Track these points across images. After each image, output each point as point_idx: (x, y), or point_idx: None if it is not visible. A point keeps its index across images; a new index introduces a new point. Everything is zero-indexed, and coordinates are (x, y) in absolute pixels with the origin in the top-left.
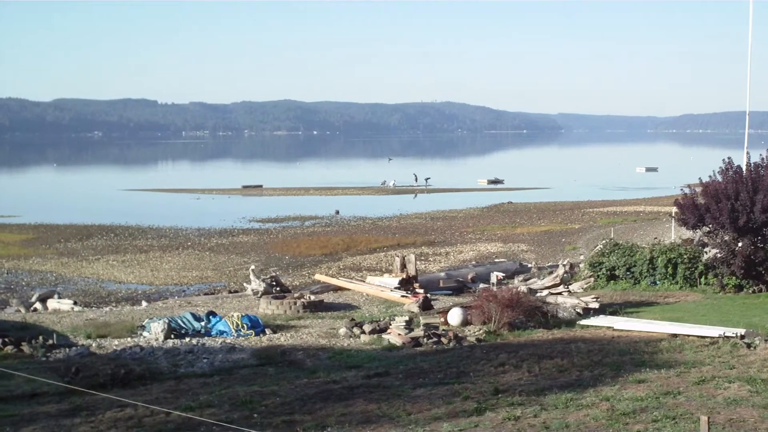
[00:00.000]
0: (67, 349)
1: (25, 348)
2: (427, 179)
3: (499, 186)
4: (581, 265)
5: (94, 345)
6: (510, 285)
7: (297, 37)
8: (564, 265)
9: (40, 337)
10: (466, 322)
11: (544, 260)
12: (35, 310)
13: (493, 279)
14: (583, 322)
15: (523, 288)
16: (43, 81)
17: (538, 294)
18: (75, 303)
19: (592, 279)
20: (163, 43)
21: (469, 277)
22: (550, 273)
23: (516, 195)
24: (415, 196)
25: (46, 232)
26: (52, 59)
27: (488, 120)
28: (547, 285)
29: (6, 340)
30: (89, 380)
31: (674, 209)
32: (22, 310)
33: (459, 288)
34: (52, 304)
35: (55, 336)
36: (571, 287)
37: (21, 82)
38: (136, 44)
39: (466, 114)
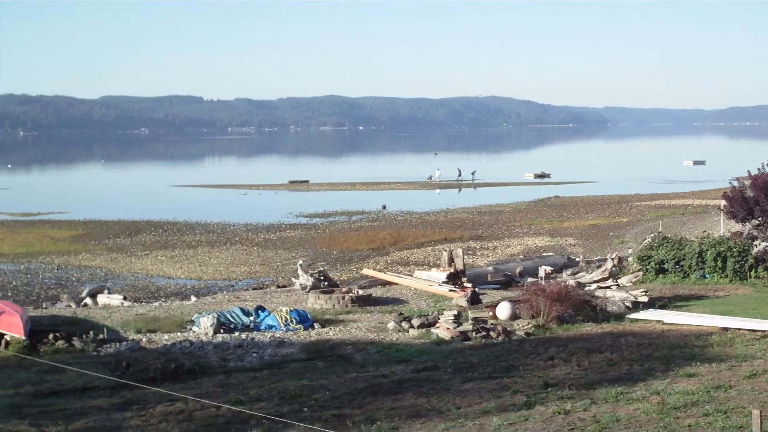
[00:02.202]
0: (118, 344)
1: (76, 343)
2: (473, 173)
3: (545, 180)
4: (630, 259)
5: (144, 339)
6: (558, 279)
7: (342, 33)
8: (612, 259)
9: (91, 332)
10: (514, 316)
11: (592, 254)
12: (86, 305)
13: (542, 273)
14: (633, 315)
15: (571, 282)
16: (90, 79)
17: (587, 288)
18: (125, 298)
19: (641, 273)
20: (208, 40)
21: (517, 271)
22: (599, 267)
23: (563, 189)
24: (459, 190)
25: (95, 228)
26: (99, 57)
27: (533, 114)
28: (595, 279)
29: (57, 334)
30: (140, 374)
31: (723, 202)
32: (73, 305)
33: (507, 282)
34: (102, 299)
35: (105, 331)
36: (619, 281)
37: (68, 80)
38: (181, 41)
39: (511, 108)
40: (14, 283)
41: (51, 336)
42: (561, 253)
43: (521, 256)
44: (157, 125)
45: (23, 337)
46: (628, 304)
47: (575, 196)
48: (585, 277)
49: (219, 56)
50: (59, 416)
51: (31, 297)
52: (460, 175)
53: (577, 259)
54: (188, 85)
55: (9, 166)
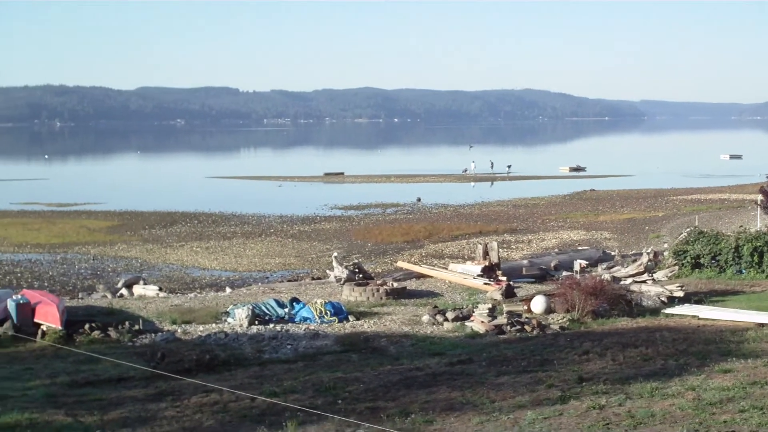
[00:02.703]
0: (153, 335)
1: (112, 333)
2: (508, 166)
3: (581, 173)
4: (665, 254)
5: (179, 331)
6: (593, 273)
7: (378, 25)
8: (648, 253)
9: (126, 323)
10: (549, 310)
11: (628, 248)
12: (121, 295)
13: (577, 267)
14: (668, 310)
15: (606, 276)
16: (127, 70)
17: (622, 282)
18: (160, 289)
19: (677, 267)
20: (243, 32)
21: (552, 264)
22: (634, 261)
23: (598, 182)
24: (492, 183)
25: (130, 218)
26: (135, 49)
27: (569, 107)
28: (630, 273)
29: (93, 325)
30: (175, 365)
31: (760, 197)
32: (109, 295)
33: (542, 276)
34: (138, 290)
35: (141, 321)
36: (655, 275)
37: (105, 71)
38: (217, 33)
39: (546, 101)
40: (50, 273)
41: (87, 326)
42: (596, 247)
43: (556, 250)
44: (193, 116)
45: (59, 327)
46: (663, 299)
47: (611, 189)
48: (620, 271)
49: (255, 48)
50: (95, 406)
51: (67, 287)
52: (492, 167)
53: (613, 253)
54: (224, 77)
55: (46, 156)
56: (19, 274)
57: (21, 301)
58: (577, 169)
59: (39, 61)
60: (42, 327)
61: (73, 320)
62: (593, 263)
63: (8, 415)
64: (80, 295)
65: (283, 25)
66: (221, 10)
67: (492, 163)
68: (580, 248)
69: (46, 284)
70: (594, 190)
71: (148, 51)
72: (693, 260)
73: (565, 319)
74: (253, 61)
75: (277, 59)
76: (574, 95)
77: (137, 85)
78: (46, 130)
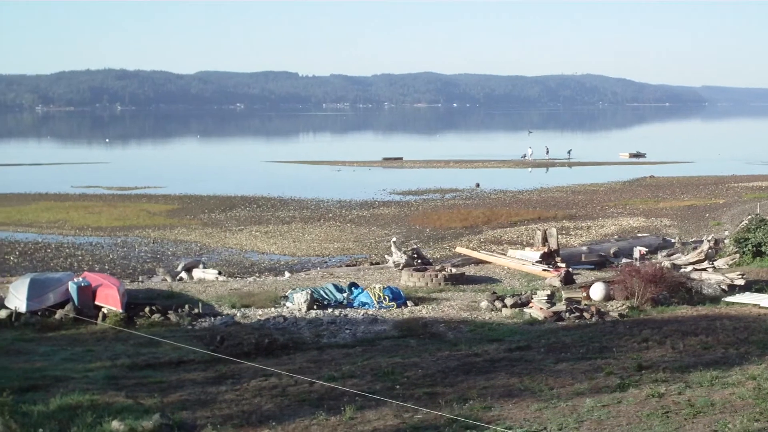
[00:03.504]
0: (212, 318)
1: (172, 316)
2: (568, 152)
3: (641, 160)
4: (726, 241)
5: (238, 314)
6: (653, 260)
7: (437, 9)
8: (708, 241)
9: (186, 306)
10: (608, 297)
11: (688, 235)
12: (181, 279)
13: (636, 254)
14: (728, 299)
15: (666, 263)
16: (187, 54)
17: (682, 270)
18: (219, 273)
19: (738, 255)
20: (303, 16)
21: (612, 251)
22: (694, 248)
23: (658, 169)
24: (547, 169)
25: (190, 202)
26: (196, 33)
27: (629, 93)
28: (691, 261)
29: (153, 308)
30: (234, 349)
31: None
32: (168, 279)
33: (601, 262)
34: (197, 273)
35: (200, 305)
36: (715, 263)
37: (165, 55)
38: (277, 17)
39: (606, 86)
40: (111, 256)
41: (147, 309)
42: (656, 234)
43: (615, 237)
44: (252, 101)
45: (120, 310)
46: (724, 287)
47: (671, 176)
48: (680, 258)
49: (315, 32)
50: (155, 388)
51: (127, 270)
52: (547, 153)
53: (673, 241)
54: (284, 61)
55: (107, 140)
56: (80, 257)
57: (82, 284)
58: (637, 155)
59: (100, 45)
60: (103, 310)
61: (133, 303)
62: (653, 250)
63: (70, 397)
64: (140, 279)
65: (343, 10)
66: None
67: (547, 149)
68: (639, 235)
69: (106, 267)
70: (654, 176)
71: (208, 35)
72: (754, 248)
73: (624, 307)
74: (313, 46)
75: (336, 44)
76: (634, 81)
77: (197, 69)
78: (107, 114)
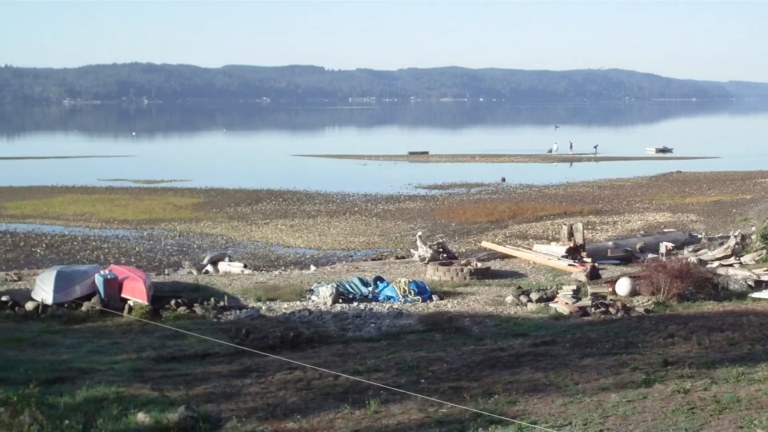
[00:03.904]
0: (238, 311)
1: (198, 309)
2: (595, 147)
3: (667, 155)
4: (753, 237)
5: (263, 308)
6: (679, 255)
7: (464, 3)
8: (735, 237)
9: (212, 299)
10: (634, 293)
11: (714, 231)
12: (207, 272)
13: (662, 249)
14: (755, 294)
15: (692, 259)
16: (214, 48)
17: (708, 265)
18: (245, 266)
19: (765, 251)
20: (330, 10)
21: (638, 246)
22: (721, 244)
23: (685, 164)
24: (571, 164)
25: (216, 196)
26: (222, 26)
27: (656, 87)
28: (717, 256)
29: (179, 301)
30: (259, 342)
31: None
32: (194, 272)
33: (627, 258)
34: (223, 266)
35: (226, 298)
36: (742, 259)
37: (192, 49)
38: (303, 11)
39: (633, 81)
40: (137, 249)
41: (173, 302)
42: (682, 230)
43: (642, 232)
44: (278, 95)
45: (146, 303)
46: (750, 283)
47: (697, 171)
48: (707, 254)
49: (341, 26)
50: (180, 381)
51: (153, 263)
52: (571, 148)
53: (699, 236)
54: (310, 55)
55: (133, 133)
56: (106, 250)
57: (109, 277)
58: (664, 150)
59: (127, 39)
60: (129, 302)
61: (159, 296)
62: (679, 246)
63: (96, 389)
64: (166, 271)
65: (369, 4)
66: None
67: (571, 144)
68: (666, 230)
69: (133, 260)
70: (680, 171)
71: (235, 29)
72: None
73: (650, 302)
74: (339, 40)
75: (362, 38)
76: (661, 75)
77: (224, 63)
78: (133, 108)
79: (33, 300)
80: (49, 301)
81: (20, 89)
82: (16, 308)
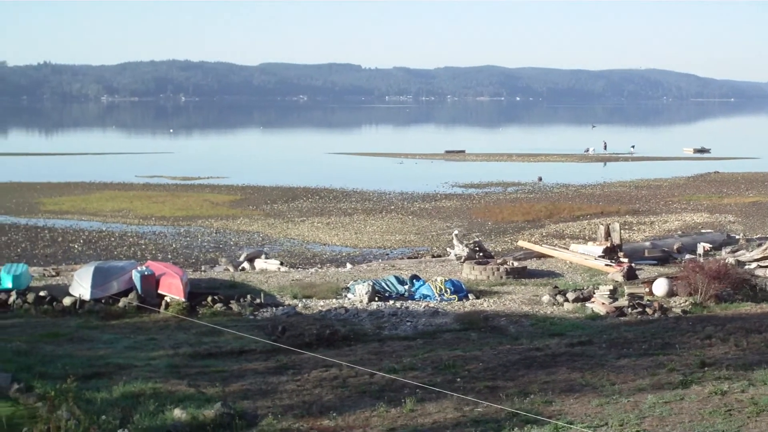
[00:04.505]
0: (274, 309)
1: (234, 306)
2: (632, 147)
3: (705, 155)
4: None
5: (300, 305)
6: (717, 256)
7: (500, 3)
8: None
9: (248, 296)
10: (671, 293)
11: (753, 232)
12: (243, 269)
13: (700, 250)
14: None
15: (730, 260)
16: (251, 46)
17: (746, 266)
18: (281, 263)
19: None
20: (367, 9)
21: (675, 247)
22: (759, 245)
23: (723, 164)
24: (605, 164)
25: (252, 193)
26: (259, 24)
27: (694, 88)
28: (755, 257)
29: (216, 297)
30: (295, 339)
31: None
32: (231, 269)
33: (664, 258)
34: (259, 263)
35: (262, 295)
36: None
37: (229, 46)
38: (340, 9)
39: (671, 81)
40: (174, 245)
41: (209, 299)
42: (720, 230)
43: (679, 232)
44: (315, 92)
45: (183, 299)
46: None
47: (735, 172)
48: (745, 255)
49: (378, 24)
50: (216, 378)
51: (190, 260)
52: (605, 148)
53: (737, 237)
54: (347, 53)
55: (171, 130)
56: (143, 246)
57: (146, 273)
58: (701, 150)
59: (165, 36)
60: (165, 298)
61: (195, 292)
62: (717, 246)
63: (132, 384)
64: (203, 268)
65: (406, 3)
66: None
67: (605, 144)
68: (703, 231)
69: (169, 256)
70: (718, 172)
71: (272, 27)
72: None
73: (687, 303)
74: (377, 38)
75: (399, 36)
76: (699, 75)
77: (261, 61)
78: (171, 105)
79: (71, 295)
80: (87, 296)
81: (59, 86)
82: (54, 304)
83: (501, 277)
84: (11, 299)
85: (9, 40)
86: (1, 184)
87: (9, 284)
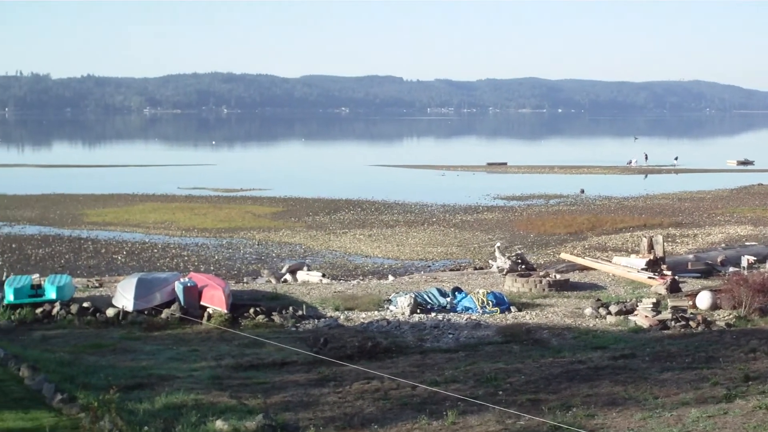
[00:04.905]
0: (316, 321)
1: (276, 318)
2: (675, 159)
3: (748, 167)
4: None
5: (342, 317)
6: (761, 269)
7: (543, 15)
8: None
9: (290, 308)
10: (715, 306)
11: None
12: (285, 281)
13: (744, 263)
14: None
15: None
16: (293, 58)
17: None
18: (323, 275)
19: None
20: (408, 21)
21: (719, 260)
22: None
23: (767, 177)
24: (646, 176)
25: (295, 205)
26: (301, 37)
27: (738, 99)
28: None
29: (258, 309)
30: (337, 351)
31: None
32: (273, 280)
33: (707, 271)
34: (302, 275)
35: (304, 307)
36: None
37: (271, 59)
38: (382, 22)
39: (714, 93)
40: (216, 257)
41: (251, 310)
42: (764, 243)
43: (723, 245)
44: (357, 105)
45: (225, 311)
46: None
47: None
48: None
49: (420, 37)
50: (258, 389)
51: (232, 271)
52: (646, 159)
53: None
54: (389, 66)
55: (213, 142)
56: (186, 258)
57: (188, 284)
58: (745, 162)
59: (207, 49)
60: (208, 310)
61: (238, 304)
62: (761, 259)
63: (175, 395)
64: (245, 280)
65: (448, 15)
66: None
67: (646, 156)
68: (747, 243)
69: (212, 268)
70: (762, 184)
71: (314, 39)
72: None
73: (731, 316)
74: (418, 50)
75: (441, 48)
76: (743, 87)
77: (303, 73)
78: (213, 117)
79: (114, 306)
80: (130, 307)
81: (102, 98)
82: (98, 315)
83: (543, 290)
84: (55, 310)
85: (53, 53)
86: (46, 195)
87: (53, 295)
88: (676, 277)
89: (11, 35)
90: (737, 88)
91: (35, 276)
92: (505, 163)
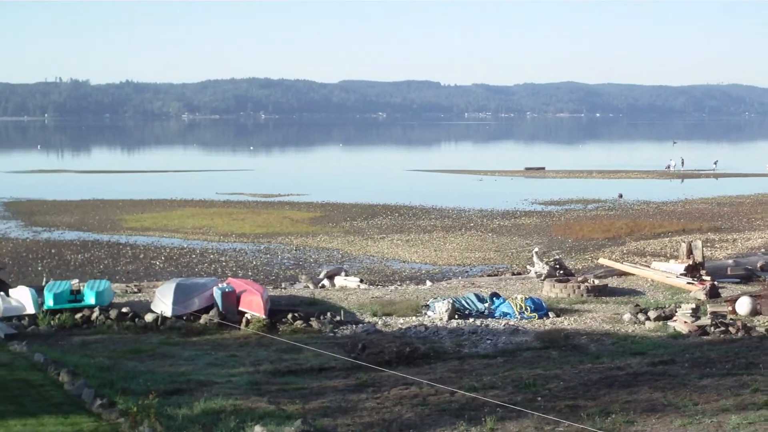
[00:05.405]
0: (354, 326)
1: (314, 323)
2: (714, 163)
3: None
4: None
5: (380, 323)
6: None
7: (580, 20)
8: None
9: (328, 313)
10: (755, 312)
11: None
12: (323, 286)
13: None
14: None
15: None
16: (330, 63)
17: None
18: (361, 281)
19: None
20: (445, 26)
21: (759, 265)
22: None
23: None
24: (682, 180)
25: (332, 210)
26: (339, 42)
27: None
28: None
29: (296, 315)
30: (375, 357)
31: None
32: (311, 286)
33: (747, 276)
34: (339, 281)
35: (342, 312)
36: None
37: (309, 64)
38: (419, 27)
39: (754, 96)
40: (254, 262)
41: (290, 316)
42: None
43: (762, 250)
44: (394, 110)
45: (263, 316)
46: None
47: None
48: None
49: (457, 41)
50: (296, 395)
51: (270, 277)
52: (683, 164)
53: None
54: (426, 71)
55: (251, 148)
56: (224, 263)
57: (227, 290)
58: None
59: (245, 54)
60: (246, 315)
61: (276, 309)
62: None
63: (213, 401)
64: (283, 285)
65: (485, 20)
66: (424, 5)
67: (683, 160)
68: None
69: (250, 273)
70: None
71: (351, 45)
72: None
73: None
74: (456, 55)
75: (478, 53)
76: None
77: (340, 79)
78: (251, 122)
79: (152, 312)
80: (168, 313)
81: (141, 104)
82: (136, 320)
83: (582, 295)
84: (94, 315)
85: (92, 60)
86: (85, 201)
87: (92, 300)
88: (716, 283)
89: (51, 42)
90: None
91: (74, 281)
92: (543, 168)
